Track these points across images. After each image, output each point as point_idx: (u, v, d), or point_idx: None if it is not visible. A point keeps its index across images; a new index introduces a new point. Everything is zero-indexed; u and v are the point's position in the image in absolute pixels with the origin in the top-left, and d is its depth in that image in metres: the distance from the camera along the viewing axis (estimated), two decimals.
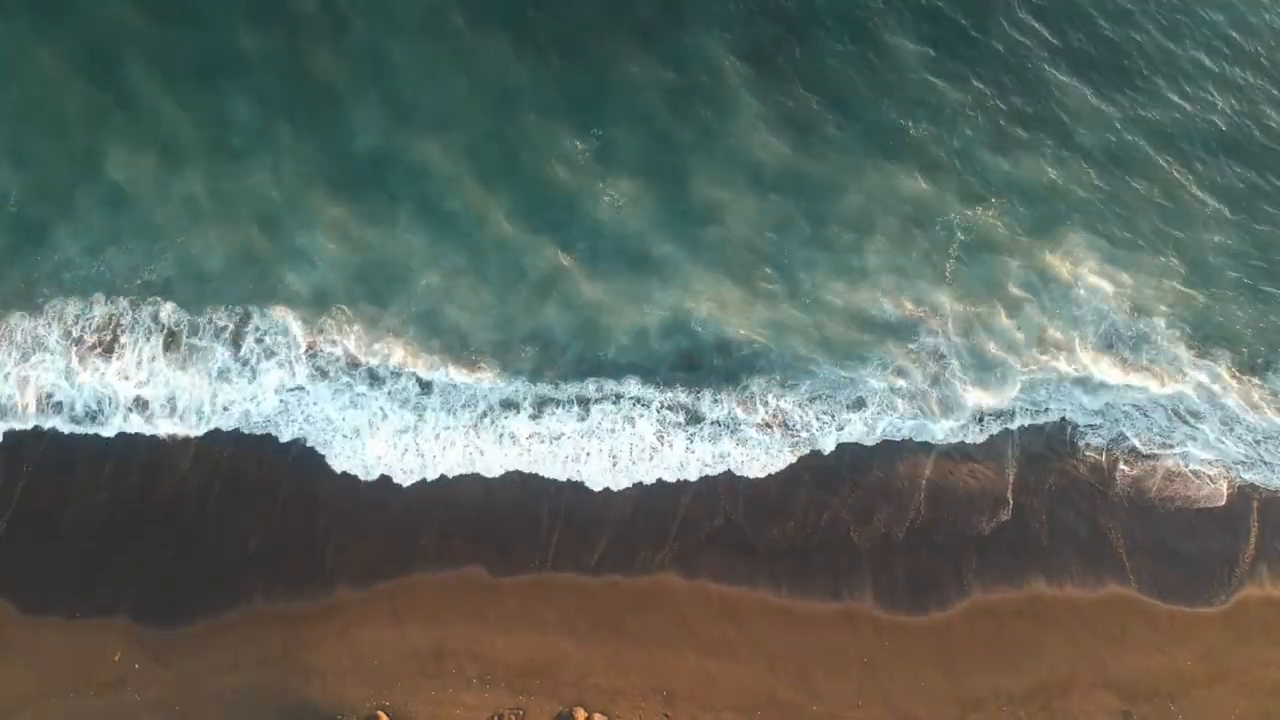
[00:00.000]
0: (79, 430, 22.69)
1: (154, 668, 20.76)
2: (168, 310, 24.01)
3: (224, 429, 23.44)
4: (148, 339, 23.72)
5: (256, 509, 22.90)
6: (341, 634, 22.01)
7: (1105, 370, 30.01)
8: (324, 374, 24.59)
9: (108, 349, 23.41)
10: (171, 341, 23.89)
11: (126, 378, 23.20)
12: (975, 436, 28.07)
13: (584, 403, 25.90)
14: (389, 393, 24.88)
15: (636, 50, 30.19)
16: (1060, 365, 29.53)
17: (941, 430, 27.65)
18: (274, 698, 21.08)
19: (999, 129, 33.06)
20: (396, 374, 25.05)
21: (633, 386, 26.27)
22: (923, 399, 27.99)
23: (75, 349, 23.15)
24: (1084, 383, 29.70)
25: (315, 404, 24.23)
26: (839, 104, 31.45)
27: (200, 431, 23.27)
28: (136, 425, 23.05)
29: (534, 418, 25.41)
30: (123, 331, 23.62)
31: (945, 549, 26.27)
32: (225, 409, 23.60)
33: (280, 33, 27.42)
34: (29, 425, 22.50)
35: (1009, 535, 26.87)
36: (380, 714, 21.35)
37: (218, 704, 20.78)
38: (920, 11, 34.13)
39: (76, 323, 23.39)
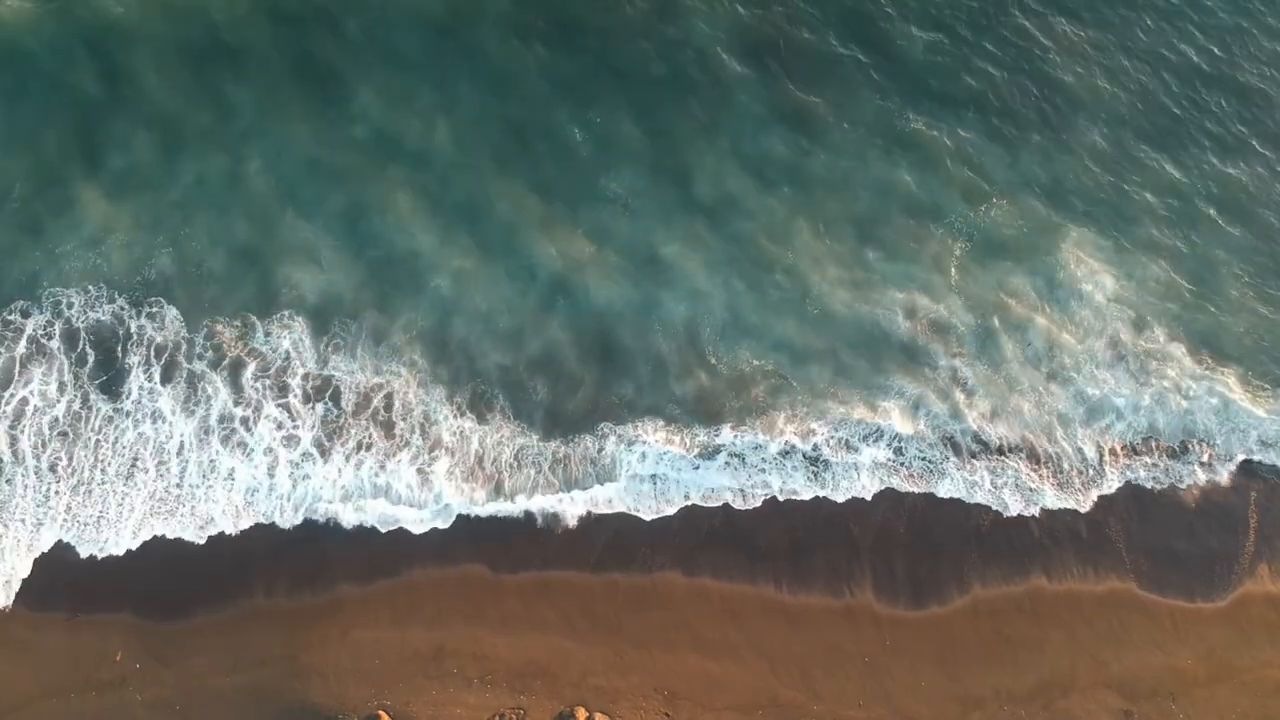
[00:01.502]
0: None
1: (155, 667, 20.79)
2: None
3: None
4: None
5: None
6: (342, 634, 22.03)
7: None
8: (326, 434, 23.99)
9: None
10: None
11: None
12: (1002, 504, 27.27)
13: (598, 440, 25.50)
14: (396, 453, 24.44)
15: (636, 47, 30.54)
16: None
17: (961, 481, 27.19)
18: (274, 698, 21.05)
19: (1008, 130, 33.13)
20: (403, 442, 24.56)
21: (647, 427, 25.70)
22: (941, 439, 27.50)
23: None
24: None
25: (315, 479, 23.63)
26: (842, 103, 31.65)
27: (202, 539, 22.42)
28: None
29: (551, 468, 24.98)
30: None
31: (945, 546, 26.26)
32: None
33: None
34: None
35: (1009, 532, 26.86)
36: (381, 714, 21.31)
37: (218, 704, 20.76)
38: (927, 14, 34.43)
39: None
